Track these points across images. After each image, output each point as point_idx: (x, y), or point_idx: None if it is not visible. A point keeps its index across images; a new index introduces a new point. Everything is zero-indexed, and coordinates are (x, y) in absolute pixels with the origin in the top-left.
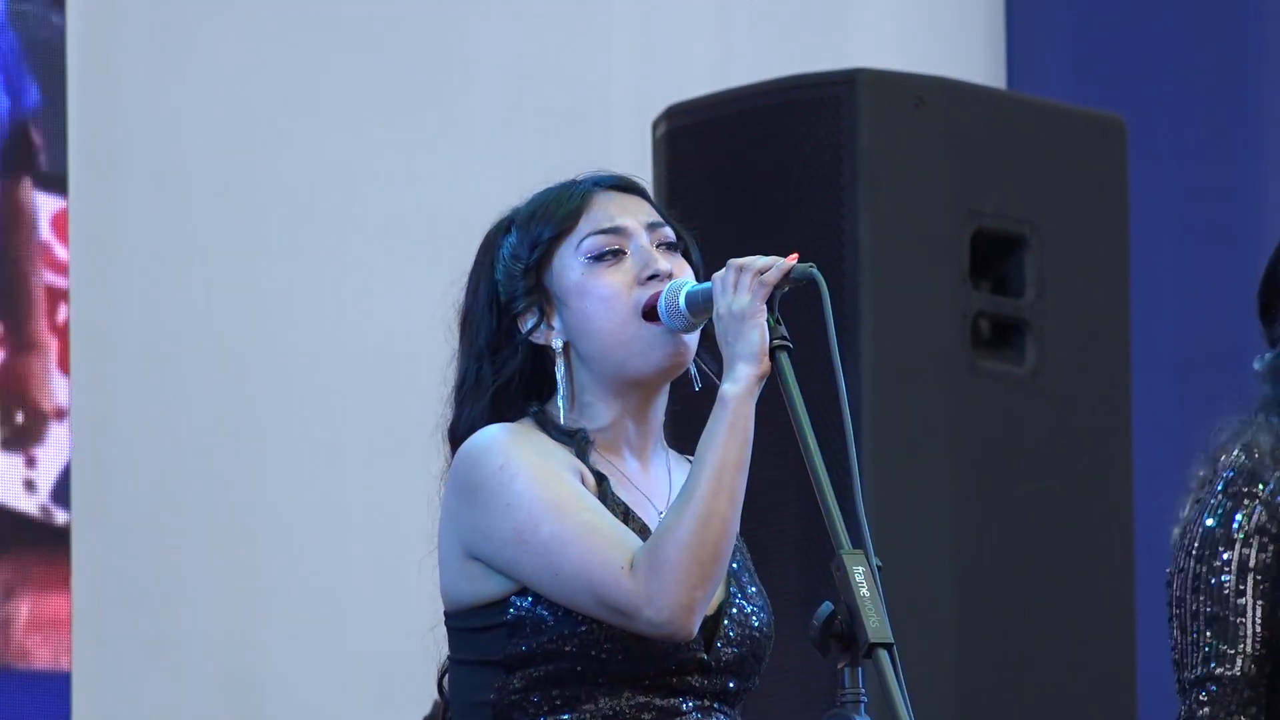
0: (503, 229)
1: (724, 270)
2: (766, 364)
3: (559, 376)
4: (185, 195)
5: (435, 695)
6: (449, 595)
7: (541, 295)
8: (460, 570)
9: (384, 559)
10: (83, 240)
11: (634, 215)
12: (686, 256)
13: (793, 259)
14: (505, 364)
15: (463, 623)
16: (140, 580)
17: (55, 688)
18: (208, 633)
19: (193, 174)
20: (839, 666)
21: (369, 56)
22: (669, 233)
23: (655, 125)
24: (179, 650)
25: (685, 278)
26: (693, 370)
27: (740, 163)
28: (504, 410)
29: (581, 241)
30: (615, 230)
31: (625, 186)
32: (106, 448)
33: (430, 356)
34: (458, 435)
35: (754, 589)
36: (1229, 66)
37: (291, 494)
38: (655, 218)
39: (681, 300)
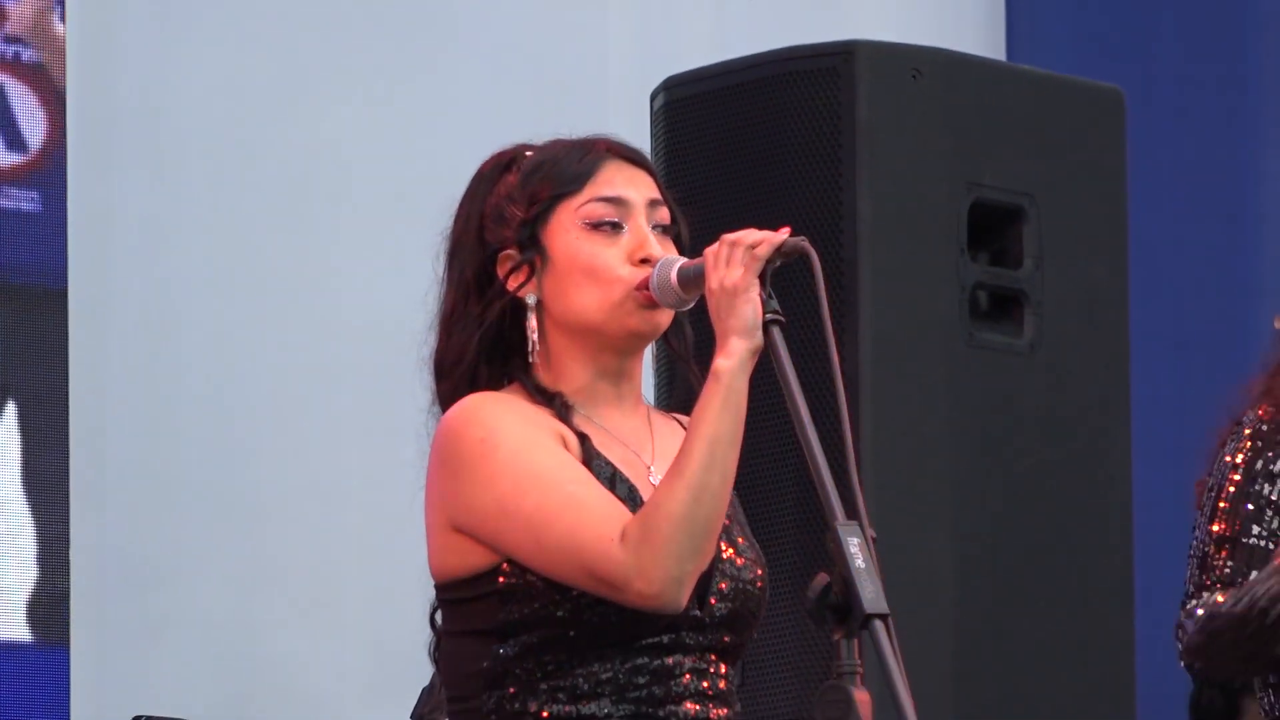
0: (503, 166)
1: (715, 245)
2: (759, 338)
3: (530, 332)
4: (181, 174)
5: (434, 671)
6: (436, 567)
7: (534, 250)
8: (446, 543)
9: (382, 536)
10: (80, 220)
11: (638, 190)
12: (678, 241)
13: (784, 233)
14: (491, 303)
15: (453, 594)
16: (138, 558)
17: (53, 665)
18: (206, 611)
19: (188, 152)
20: (834, 638)
21: (363, 31)
22: (666, 214)
23: (653, 97)
24: (177, 628)
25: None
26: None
27: (738, 134)
28: (490, 352)
29: (582, 206)
30: (618, 202)
31: (635, 159)
32: (104, 425)
33: (425, 335)
34: (444, 367)
35: (745, 542)
36: (1228, 37)
37: (289, 473)
38: (657, 196)
39: (674, 276)
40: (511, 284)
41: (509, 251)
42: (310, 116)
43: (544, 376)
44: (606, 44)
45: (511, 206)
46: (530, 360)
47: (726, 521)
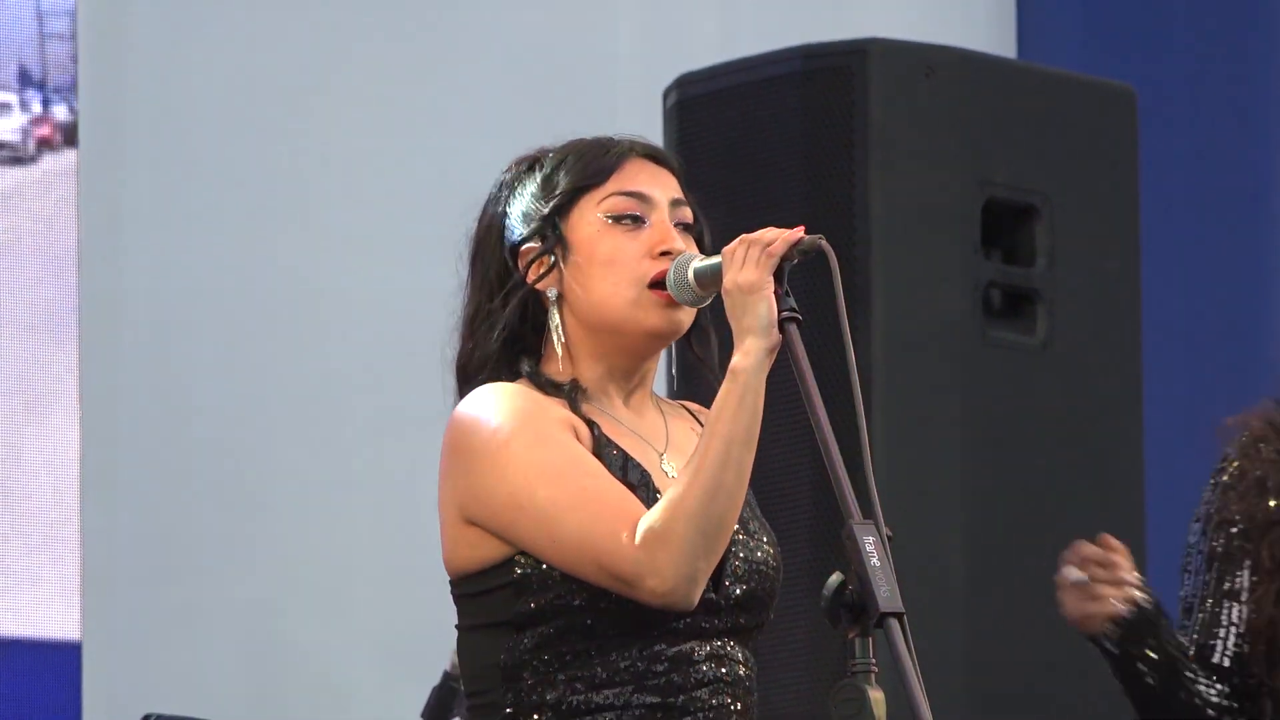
0: (526, 167)
1: (733, 244)
2: (776, 336)
3: (553, 325)
4: (194, 168)
5: (445, 666)
6: (451, 561)
7: (556, 243)
8: (459, 536)
9: (396, 529)
10: (92, 212)
11: (662, 187)
12: (699, 241)
13: (799, 231)
14: (511, 297)
15: (468, 588)
16: (151, 553)
17: (65, 658)
18: (219, 606)
19: (201, 146)
20: (849, 636)
21: (376, 29)
22: (689, 213)
23: (666, 95)
24: (190, 620)
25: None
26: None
27: (751, 132)
28: (514, 351)
29: (605, 199)
30: (640, 197)
31: (658, 158)
32: (116, 416)
33: (438, 328)
34: (469, 372)
35: (757, 524)
36: (1240, 35)
37: (303, 465)
38: (680, 195)
39: (690, 274)
40: (532, 276)
41: (531, 244)
42: (320, 113)
43: (558, 369)
44: (616, 42)
45: (535, 203)
46: (543, 353)
47: None
